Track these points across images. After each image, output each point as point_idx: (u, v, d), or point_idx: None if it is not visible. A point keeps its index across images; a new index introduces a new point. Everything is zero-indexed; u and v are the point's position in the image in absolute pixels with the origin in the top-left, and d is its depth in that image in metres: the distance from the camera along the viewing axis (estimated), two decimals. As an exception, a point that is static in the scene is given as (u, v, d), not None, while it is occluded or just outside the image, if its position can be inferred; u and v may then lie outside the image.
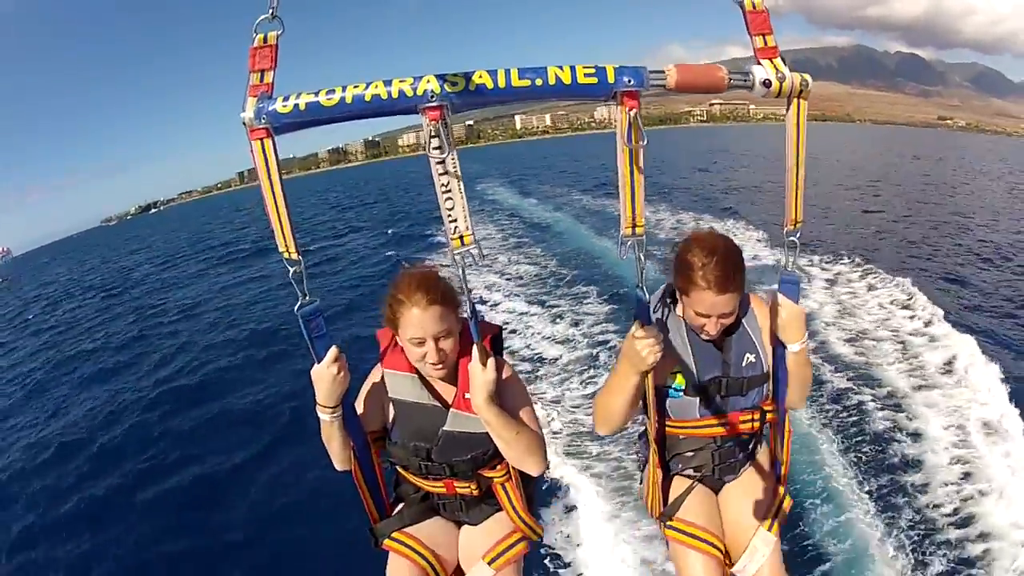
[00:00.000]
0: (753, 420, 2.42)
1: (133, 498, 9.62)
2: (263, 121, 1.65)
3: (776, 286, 2.13)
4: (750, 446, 2.55)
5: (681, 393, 2.37)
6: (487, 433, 2.10)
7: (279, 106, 1.66)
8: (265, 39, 1.66)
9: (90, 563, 8.27)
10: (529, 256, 19.76)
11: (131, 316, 23.10)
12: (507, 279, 17.10)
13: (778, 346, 2.23)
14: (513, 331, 12.80)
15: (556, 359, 11.37)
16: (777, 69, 1.69)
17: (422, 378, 2.25)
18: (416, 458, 2.25)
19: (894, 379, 9.88)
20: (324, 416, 2.06)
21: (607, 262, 17.27)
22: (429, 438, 2.23)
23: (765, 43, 1.71)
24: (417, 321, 2.02)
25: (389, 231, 29.77)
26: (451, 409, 2.21)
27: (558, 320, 13.35)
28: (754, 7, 1.70)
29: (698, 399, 2.37)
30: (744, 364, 2.36)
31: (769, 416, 2.43)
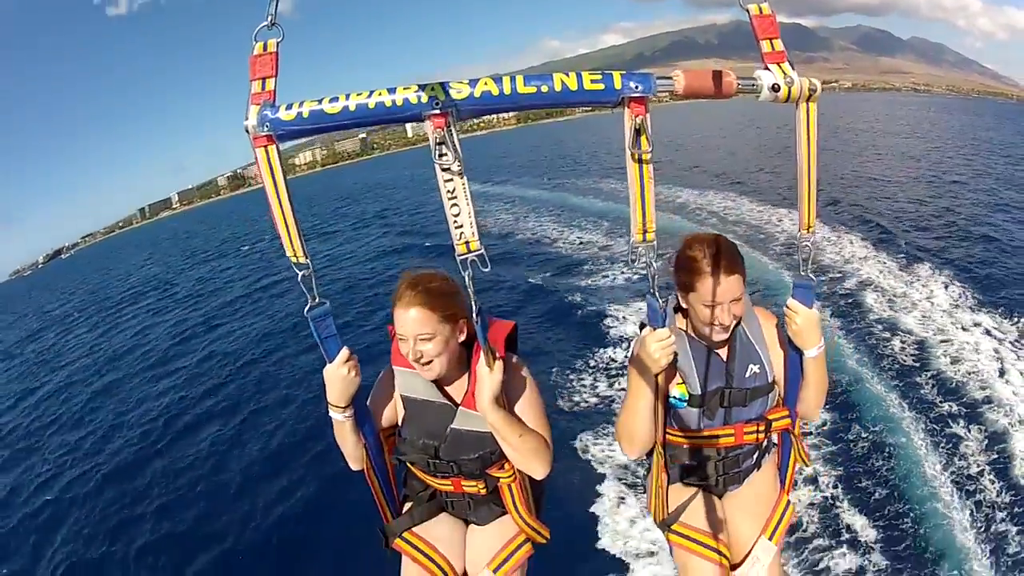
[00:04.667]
0: (758, 431, 2.40)
1: (145, 496, 10.09)
2: (266, 129, 1.65)
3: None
4: (755, 456, 2.53)
5: (684, 403, 2.37)
6: None
7: (283, 114, 1.66)
8: (265, 47, 1.67)
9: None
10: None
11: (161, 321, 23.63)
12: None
13: (793, 352, 2.20)
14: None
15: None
16: (785, 74, 1.67)
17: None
18: (424, 455, 2.26)
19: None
20: (336, 416, 2.09)
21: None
22: (437, 436, 2.23)
23: (772, 47, 1.69)
24: (400, 319, 2.08)
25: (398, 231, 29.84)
26: (459, 407, 2.22)
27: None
28: (761, 12, 1.69)
29: (700, 410, 2.37)
30: (748, 375, 2.35)
31: (776, 425, 2.41)
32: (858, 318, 11.78)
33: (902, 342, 10.64)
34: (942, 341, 10.47)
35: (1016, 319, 10.86)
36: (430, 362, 2.10)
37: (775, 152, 36.37)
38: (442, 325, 2.08)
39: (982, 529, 6.79)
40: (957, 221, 18.07)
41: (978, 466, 7.64)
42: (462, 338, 2.18)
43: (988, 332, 10.57)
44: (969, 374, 9.42)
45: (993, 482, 7.37)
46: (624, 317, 13.13)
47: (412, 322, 2.05)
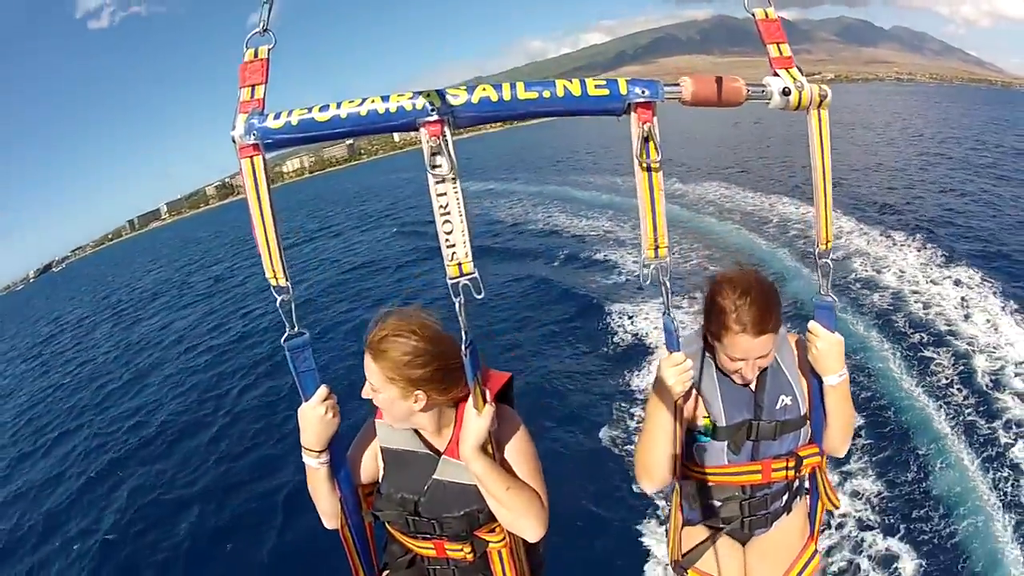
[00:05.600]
0: (788, 468, 2.22)
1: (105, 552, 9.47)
2: (253, 137, 1.56)
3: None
4: (784, 497, 2.35)
5: (709, 437, 2.21)
6: None
7: (271, 122, 1.56)
8: (256, 53, 1.60)
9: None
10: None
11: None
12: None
13: (815, 380, 2.06)
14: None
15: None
16: (795, 79, 1.61)
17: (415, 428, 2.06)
18: (402, 511, 2.02)
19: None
20: (310, 461, 1.89)
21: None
22: (417, 489, 2.01)
23: (780, 52, 1.63)
24: (365, 358, 1.91)
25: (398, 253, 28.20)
26: (442, 456, 2.01)
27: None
28: (767, 16, 1.63)
29: (726, 444, 2.20)
30: (778, 407, 2.18)
31: (807, 462, 2.24)
32: (840, 277, 13.21)
33: (880, 295, 12.43)
34: (913, 291, 12.46)
35: (976, 270, 12.79)
36: (380, 405, 1.96)
37: (756, 147, 37.99)
38: (391, 386, 1.87)
39: (953, 418, 8.40)
40: (926, 196, 20.65)
41: (947, 379, 9.37)
42: (417, 407, 1.91)
43: (958, 283, 12.48)
44: (938, 315, 11.31)
45: (960, 390, 8.99)
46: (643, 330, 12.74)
47: (367, 369, 1.89)
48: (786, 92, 1.60)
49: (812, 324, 1.98)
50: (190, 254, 53.44)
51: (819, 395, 2.08)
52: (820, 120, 1.67)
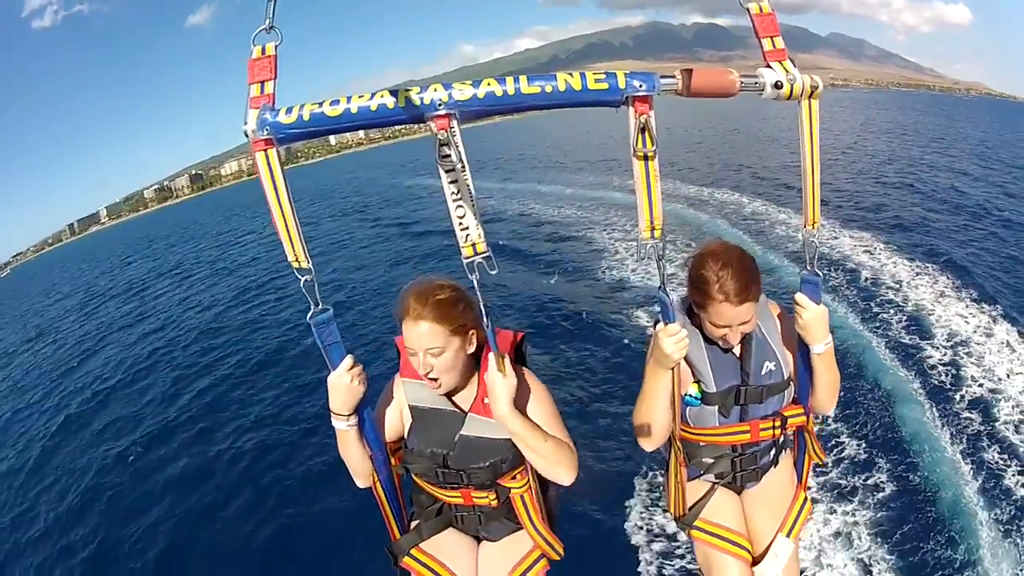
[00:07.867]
0: (774, 427, 2.38)
1: (149, 510, 9.47)
2: (265, 132, 1.63)
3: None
4: (772, 452, 2.52)
5: (699, 401, 2.34)
6: (505, 439, 2.06)
7: (282, 117, 1.63)
8: (263, 50, 1.65)
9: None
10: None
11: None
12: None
13: (802, 348, 2.21)
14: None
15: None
16: (787, 71, 1.69)
17: None
18: (432, 464, 2.18)
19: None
20: (339, 425, 2.01)
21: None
22: (446, 444, 2.16)
23: (774, 45, 1.71)
24: (409, 333, 2.02)
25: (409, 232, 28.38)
26: (469, 413, 2.15)
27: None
28: (761, 11, 1.72)
29: (716, 408, 2.34)
30: (763, 372, 2.31)
31: (791, 421, 2.40)
32: (772, 247, 15.99)
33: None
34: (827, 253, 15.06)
35: (878, 240, 15.69)
36: (438, 379, 2.06)
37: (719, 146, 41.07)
38: (452, 338, 2.02)
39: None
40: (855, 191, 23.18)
41: (851, 296, 12.14)
42: (471, 349, 2.11)
43: (869, 252, 14.96)
44: (845, 258, 14.38)
45: (868, 304, 11.62)
46: (634, 312, 13.16)
47: (422, 336, 1.99)
48: (778, 85, 1.69)
49: (799, 296, 2.11)
50: (161, 249, 51.31)
51: (805, 363, 2.23)
52: (810, 110, 1.77)
